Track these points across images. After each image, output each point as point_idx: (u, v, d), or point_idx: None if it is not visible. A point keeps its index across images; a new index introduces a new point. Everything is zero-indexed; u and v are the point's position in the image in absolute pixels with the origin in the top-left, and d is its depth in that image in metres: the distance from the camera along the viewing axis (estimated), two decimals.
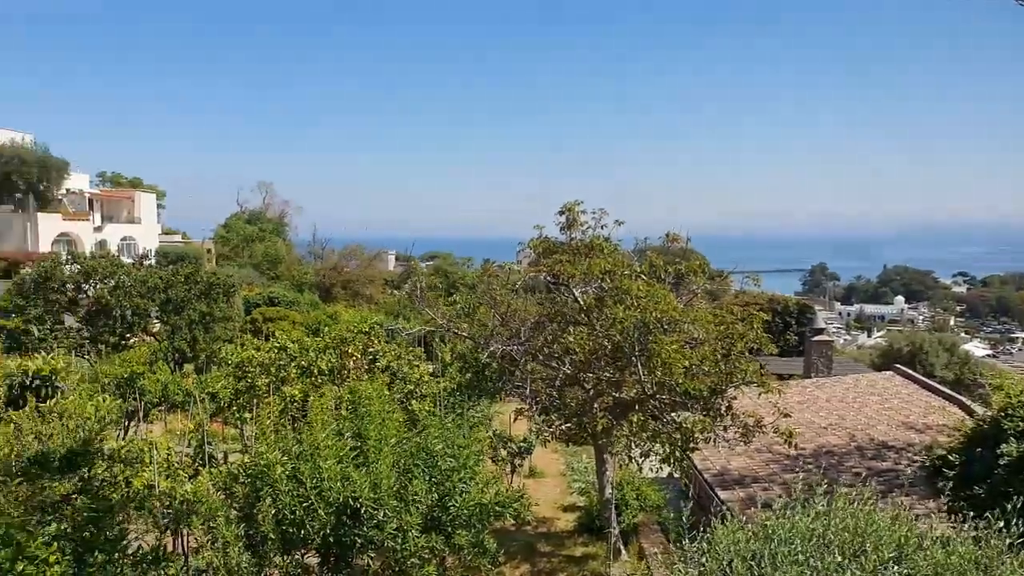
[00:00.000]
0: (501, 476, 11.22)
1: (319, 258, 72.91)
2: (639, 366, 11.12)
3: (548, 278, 12.59)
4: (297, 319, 35.86)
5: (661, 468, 13.44)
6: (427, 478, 9.73)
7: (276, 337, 19.53)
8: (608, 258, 11.96)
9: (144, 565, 7.02)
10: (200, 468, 12.29)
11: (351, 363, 18.91)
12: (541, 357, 12.66)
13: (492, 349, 12.64)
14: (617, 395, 12.06)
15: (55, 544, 5.06)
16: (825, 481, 6.20)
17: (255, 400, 17.40)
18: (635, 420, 12.28)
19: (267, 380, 17.12)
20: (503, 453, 17.04)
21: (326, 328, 24.69)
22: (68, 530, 5.67)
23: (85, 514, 6.20)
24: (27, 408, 12.69)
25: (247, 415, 18.57)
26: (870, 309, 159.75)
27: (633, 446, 12.90)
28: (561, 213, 12.47)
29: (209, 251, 64.88)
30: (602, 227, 12.47)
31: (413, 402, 16.63)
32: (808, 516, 5.64)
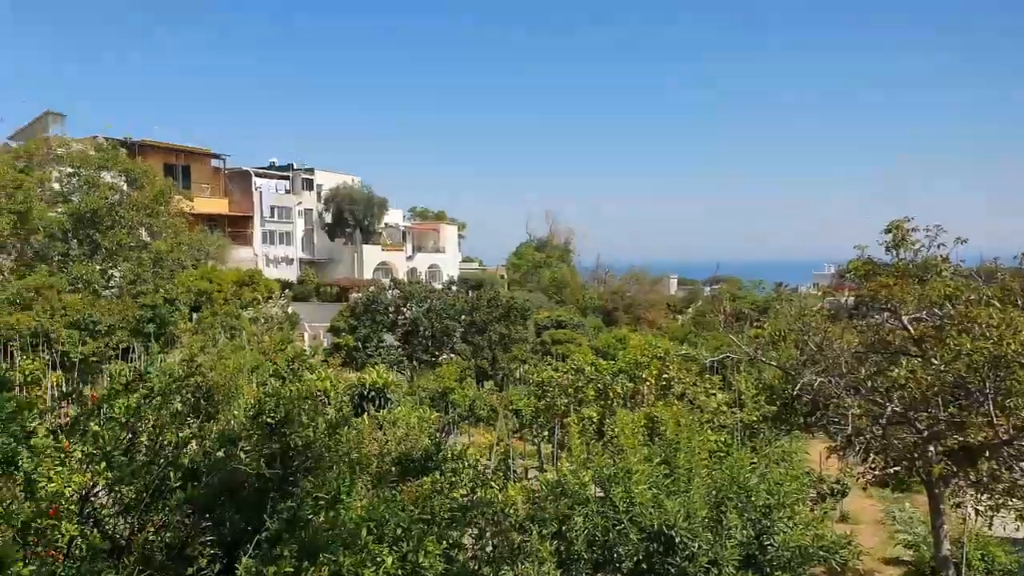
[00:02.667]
0: (824, 519, 10.32)
1: (602, 283, 74.72)
2: (991, 406, 9.60)
3: (857, 304, 11.43)
4: (584, 342, 36.88)
5: (1018, 527, 11.44)
6: (741, 513, 9.26)
7: (572, 359, 20.19)
8: (948, 281, 10.54)
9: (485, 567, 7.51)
10: (505, 481, 13.03)
11: (644, 388, 18.91)
12: (863, 391, 11.49)
13: (805, 380, 11.75)
14: (960, 438, 10.52)
15: (434, 544, 5.56)
16: None
17: (554, 419, 18.13)
18: (984, 468, 10.60)
19: (566, 400, 17.76)
20: (813, 494, 15.75)
21: (618, 352, 24.99)
22: (436, 530, 6.21)
23: (446, 515, 6.76)
24: (365, 416, 14.52)
25: (545, 432, 19.36)
26: None
27: (980, 498, 11.14)
28: (887, 231, 11.28)
29: (502, 277, 69.66)
30: (938, 246, 11.06)
31: (709, 432, 16.10)
32: None
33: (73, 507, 4.87)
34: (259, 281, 38.04)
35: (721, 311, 14.29)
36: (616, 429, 10.55)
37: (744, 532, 8.82)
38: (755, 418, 15.56)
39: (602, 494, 9.56)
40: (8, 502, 4.52)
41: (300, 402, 6.10)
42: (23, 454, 4.71)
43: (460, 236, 75.52)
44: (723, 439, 14.31)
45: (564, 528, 9.23)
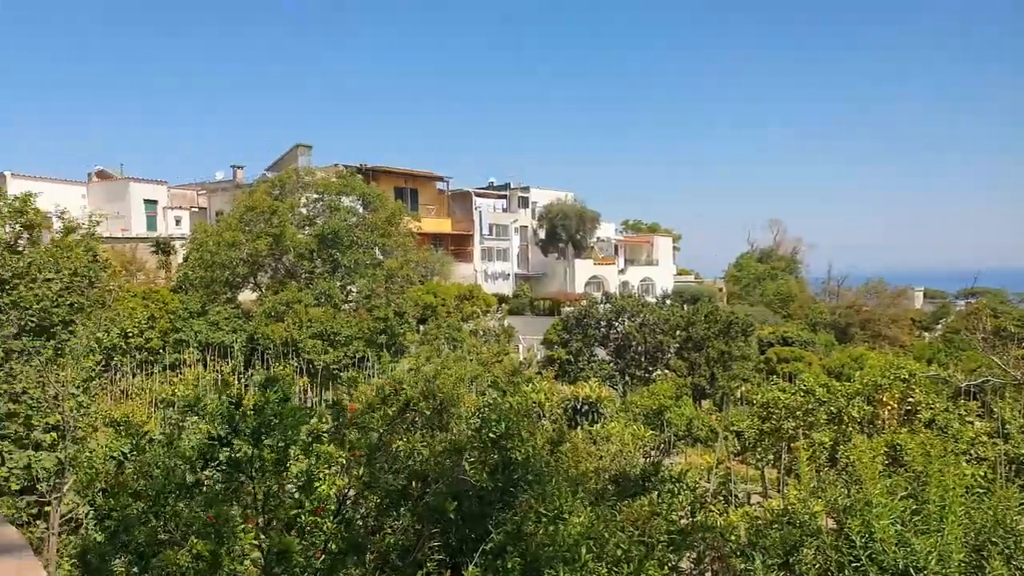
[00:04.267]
0: None
1: (834, 296, 69.06)
2: None
3: None
4: (814, 361, 34.06)
5: None
6: (1007, 560, 7.77)
7: (800, 379, 18.59)
8: None
9: None
10: (726, 505, 12.12)
11: (885, 412, 16.90)
12: None
13: None
14: None
15: (655, 568, 5.33)
16: None
17: (781, 443, 16.73)
18: None
19: (793, 424, 16.32)
20: None
21: (854, 372, 22.70)
22: (657, 554, 5.96)
23: (664, 538, 6.38)
24: (579, 430, 14.32)
25: (770, 457, 17.97)
26: None
27: None
28: None
29: (720, 290, 66.90)
30: None
31: (965, 465, 13.97)
32: None
33: (332, 507, 5.35)
34: (478, 295, 39.69)
35: (979, 328, 12.28)
36: (852, 457, 9.40)
37: None
38: (1023, 451, 13.17)
39: (835, 527, 8.60)
40: (276, 501, 4.99)
41: (520, 417, 6.15)
42: (298, 455, 5.17)
43: (675, 248, 73.75)
44: (983, 473, 12.31)
45: (791, 560, 8.43)
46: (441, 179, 56.72)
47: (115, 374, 20.90)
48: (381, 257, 35.70)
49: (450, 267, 41.82)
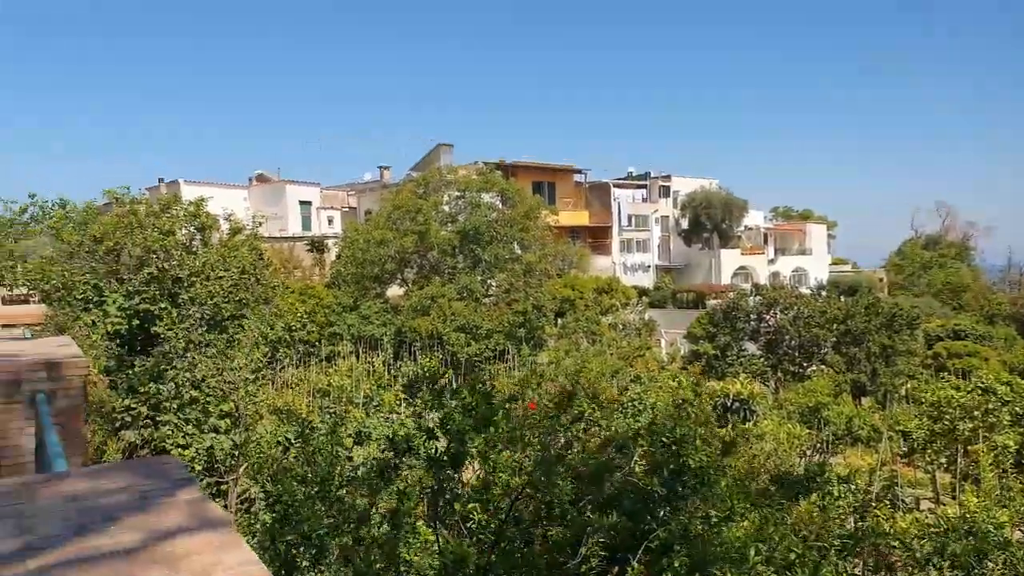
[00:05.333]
0: None
1: (1016, 286, 62.54)
2: None
3: None
4: (991, 356, 30.97)
5: None
6: None
7: (977, 376, 16.93)
8: None
9: None
10: (892, 510, 11.17)
11: None
12: None
13: None
14: None
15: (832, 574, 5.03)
16: None
17: (956, 445, 15.29)
18: None
19: (971, 425, 14.86)
20: None
21: None
22: (831, 558, 5.61)
23: (835, 543, 6.00)
24: (729, 427, 13.71)
25: (942, 460, 16.51)
26: None
27: None
28: None
29: (881, 280, 62.39)
30: None
31: None
32: None
33: (503, 504, 5.46)
34: (617, 288, 39.18)
35: None
36: None
37: None
38: None
39: None
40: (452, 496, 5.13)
41: (696, 425, 6.01)
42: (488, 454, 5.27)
43: (829, 236, 69.54)
44: None
45: (973, 573, 7.64)
46: (579, 171, 56.47)
47: (277, 365, 22.36)
48: (520, 251, 36.00)
49: (588, 260, 41.54)
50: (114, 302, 12.64)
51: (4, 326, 11.24)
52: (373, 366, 25.43)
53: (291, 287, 30.45)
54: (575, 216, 53.55)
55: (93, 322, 12.34)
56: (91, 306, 12.93)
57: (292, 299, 28.19)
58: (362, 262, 34.06)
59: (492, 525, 4.94)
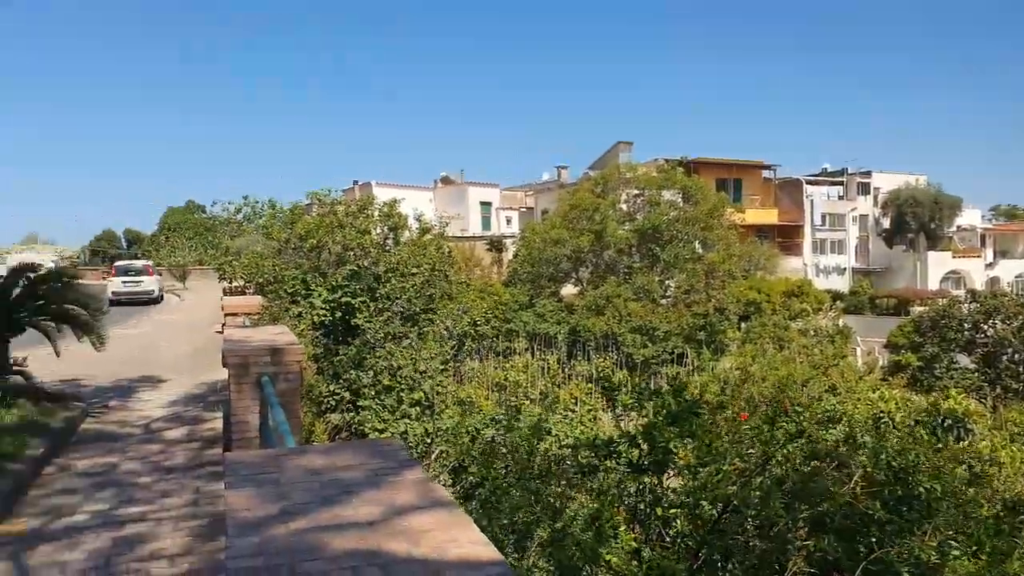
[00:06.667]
0: None
1: None
2: None
3: None
4: None
5: None
6: None
7: None
8: None
9: None
10: None
11: None
12: None
13: None
14: None
15: None
16: None
17: None
18: None
19: None
20: None
21: None
22: None
23: None
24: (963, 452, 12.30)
25: None
26: None
27: None
28: None
29: None
30: None
31: None
32: None
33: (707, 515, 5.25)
34: (808, 292, 36.80)
35: None
36: None
37: None
38: None
39: None
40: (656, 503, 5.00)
41: (929, 454, 5.49)
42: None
43: None
44: None
45: None
46: (767, 167, 53.68)
47: (460, 358, 23.19)
48: (701, 251, 34.85)
49: (776, 261, 39.30)
50: (320, 295, 13.66)
51: (230, 315, 12.49)
52: (547, 363, 25.68)
53: (472, 285, 31.54)
54: (763, 214, 51.00)
55: (300, 313, 13.41)
56: (299, 298, 14.06)
57: (473, 295, 29.19)
58: (538, 261, 34.54)
59: (698, 535, 4.70)
